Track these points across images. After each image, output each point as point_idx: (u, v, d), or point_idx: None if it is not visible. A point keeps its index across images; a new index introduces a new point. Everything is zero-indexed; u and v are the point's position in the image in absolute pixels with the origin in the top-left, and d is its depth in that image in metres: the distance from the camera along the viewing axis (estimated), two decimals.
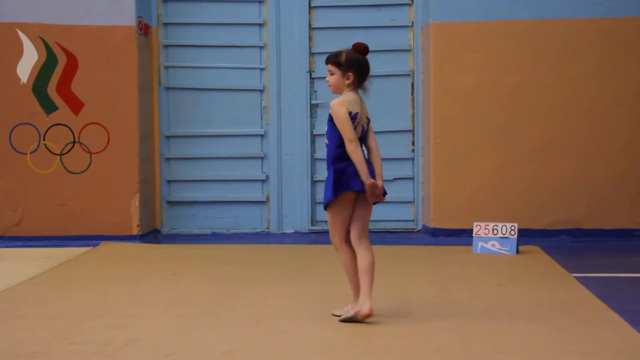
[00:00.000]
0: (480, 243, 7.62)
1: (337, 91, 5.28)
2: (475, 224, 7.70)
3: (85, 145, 8.42)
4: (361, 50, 5.23)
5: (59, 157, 8.43)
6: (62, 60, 8.36)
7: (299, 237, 8.72)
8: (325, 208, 5.19)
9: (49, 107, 8.39)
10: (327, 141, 5.26)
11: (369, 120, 5.25)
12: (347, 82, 5.21)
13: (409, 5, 8.80)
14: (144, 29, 8.56)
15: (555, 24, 8.29)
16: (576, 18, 8.28)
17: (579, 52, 8.29)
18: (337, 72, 5.23)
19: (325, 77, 5.43)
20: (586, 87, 8.30)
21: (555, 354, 4.51)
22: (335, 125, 5.18)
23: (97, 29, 8.35)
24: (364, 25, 8.83)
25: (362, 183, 5.10)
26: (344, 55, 5.23)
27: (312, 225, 8.89)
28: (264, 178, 8.91)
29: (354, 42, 5.32)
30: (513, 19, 8.31)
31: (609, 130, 8.30)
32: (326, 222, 8.77)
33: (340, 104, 5.17)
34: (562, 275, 6.64)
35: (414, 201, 8.84)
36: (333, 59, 5.27)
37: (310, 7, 8.87)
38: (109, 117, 8.40)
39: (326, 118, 5.30)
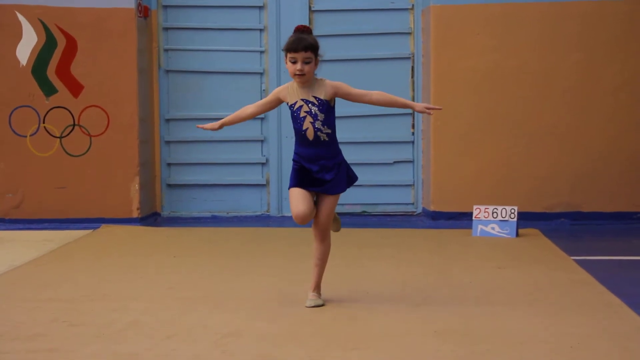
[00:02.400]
0: (479, 226, 7.63)
1: (309, 80, 5.04)
2: (475, 207, 7.71)
3: (85, 128, 8.42)
4: (306, 31, 5.06)
5: (58, 139, 8.42)
6: (61, 42, 8.35)
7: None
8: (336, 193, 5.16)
9: (49, 89, 8.38)
10: (328, 131, 5.06)
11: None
12: (315, 68, 5.06)
13: None
14: (143, 12, 8.54)
15: (557, 6, 8.26)
16: (578, 1, 8.25)
17: (580, 36, 8.27)
18: (313, 59, 5.01)
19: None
20: (587, 71, 8.28)
21: (554, 336, 4.53)
22: (333, 112, 5.09)
23: (97, 12, 8.33)
24: (364, 7, 8.81)
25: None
26: (315, 39, 5.04)
27: None
28: (264, 161, 8.91)
29: (302, 25, 5.11)
30: (514, 2, 8.29)
31: (609, 114, 8.30)
32: None
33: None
34: (562, 258, 6.65)
35: (414, 184, 8.84)
36: (312, 45, 4.98)
37: None
38: (109, 100, 8.39)
39: None
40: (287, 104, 5.12)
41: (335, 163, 5.12)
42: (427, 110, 5.22)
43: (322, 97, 5.06)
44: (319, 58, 5.07)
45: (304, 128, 5.07)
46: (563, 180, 8.33)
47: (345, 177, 5.17)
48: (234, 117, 5.26)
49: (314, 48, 5.00)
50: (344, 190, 5.18)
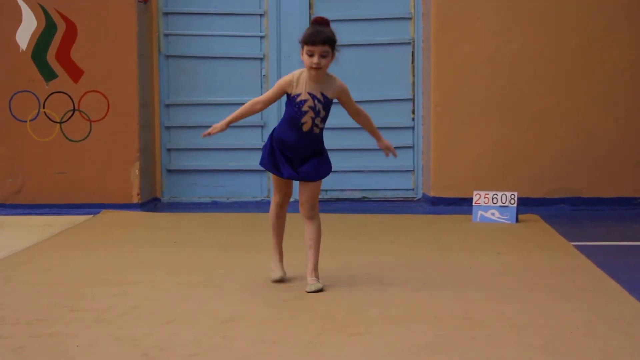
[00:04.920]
0: (480, 212, 7.64)
1: (323, 74, 5.01)
2: (475, 192, 7.71)
3: (85, 113, 8.41)
4: (325, 23, 5.01)
5: (58, 125, 8.42)
6: (61, 27, 8.33)
7: (297, 206, 8.71)
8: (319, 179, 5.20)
9: (49, 74, 8.36)
10: (322, 126, 5.08)
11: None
12: (331, 61, 5.03)
13: None
14: None
15: None
16: None
17: (579, 20, 8.25)
18: (330, 54, 4.98)
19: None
20: (587, 56, 8.27)
21: (553, 321, 4.54)
22: (330, 108, 5.09)
23: None
24: None
25: None
26: (333, 33, 4.99)
27: None
28: None
29: (316, 16, 5.14)
30: None
31: (610, 99, 8.29)
32: (326, 191, 8.81)
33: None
34: (562, 243, 6.65)
35: (414, 170, 8.84)
36: (330, 39, 4.92)
37: None
38: (109, 85, 8.38)
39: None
40: (290, 94, 5.06)
41: (314, 152, 5.14)
42: (387, 151, 5.26)
43: (329, 95, 5.05)
44: (336, 52, 5.02)
45: (302, 121, 5.05)
46: (563, 166, 8.32)
47: (324, 163, 5.17)
48: (242, 113, 5.15)
49: (332, 42, 4.95)
50: (322, 177, 5.18)
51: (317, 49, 4.92)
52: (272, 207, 5.37)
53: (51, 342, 4.25)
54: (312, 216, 5.24)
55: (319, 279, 5.23)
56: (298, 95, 5.03)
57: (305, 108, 5.04)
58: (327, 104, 5.07)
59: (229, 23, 8.88)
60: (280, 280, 5.33)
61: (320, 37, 4.91)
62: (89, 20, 8.32)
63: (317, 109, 5.04)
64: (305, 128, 5.07)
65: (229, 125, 5.15)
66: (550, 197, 8.35)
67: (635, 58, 8.26)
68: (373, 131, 5.27)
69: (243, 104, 5.14)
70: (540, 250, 6.37)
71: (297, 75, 5.06)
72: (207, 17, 8.87)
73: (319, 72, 4.97)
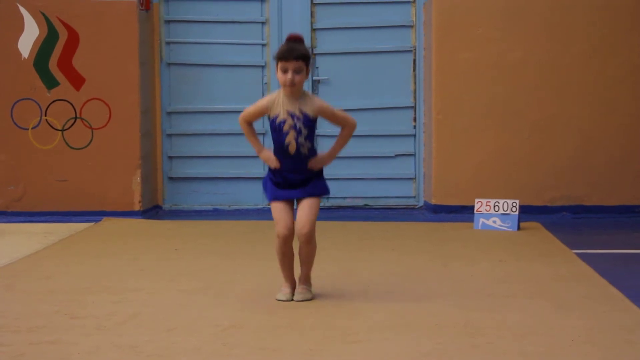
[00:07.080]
0: (481, 219, 7.63)
1: (299, 92, 4.97)
2: (476, 200, 7.70)
3: (86, 121, 8.42)
4: (299, 40, 5.00)
5: (60, 132, 8.42)
6: (63, 35, 8.35)
7: None
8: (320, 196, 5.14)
9: (50, 82, 8.37)
10: (309, 145, 5.00)
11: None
12: (306, 78, 5.00)
13: None
14: (145, 4, 8.53)
15: None
16: None
17: (581, 27, 8.25)
18: (304, 70, 4.93)
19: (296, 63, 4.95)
20: (588, 63, 8.27)
21: (555, 329, 4.53)
22: (315, 127, 5.04)
23: (98, 4, 8.32)
24: (365, 1, 8.80)
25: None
26: (307, 50, 4.98)
27: None
28: None
29: (290, 33, 5.08)
30: None
31: (611, 106, 8.29)
32: (327, 198, 8.80)
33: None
34: (563, 251, 6.65)
35: (415, 178, 8.84)
36: (304, 55, 4.90)
37: None
38: (110, 92, 8.39)
39: (325, 97, 5.16)
40: (269, 116, 5.03)
41: (308, 176, 5.08)
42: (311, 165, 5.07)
43: (309, 112, 5.00)
44: (310, 69, 5.02)
45: (286, 142, 5.00)
46: (565, 174, 8.32)
47: (320, 184, 5.11)
48: (254, 136, 5.16)
49: (305, 58, 4.93)
50: (324, 193, 5.12)
51: (291, 65, 4.90)
52: (277, 243, 5.19)
53: (52, 349, 4.25)
54: (309, 241, 5.11)
55: (310, 289, 5.20)
56: (277, 116, 4.99)
57: (286, 128, 4.99)
58: (307, 121, 4.99)
59: (231, 31, 8.89)
60: (285, 301, 5.17)
61: (294, 53, 4.91)
62: (91, 28, 8.33)
63: (297, 127, 4.99)
64: (292, 150, 5.00)
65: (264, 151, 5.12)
66: (552, 204, 8.34)
67: (636, 65, 8.25)
68: (337, 144, 5.13)
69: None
70: (541, 258, 6.36)
71: (274, 96, 5.03)
72: (208, 25, 8.88)
73: (293, 89, 4.94)
